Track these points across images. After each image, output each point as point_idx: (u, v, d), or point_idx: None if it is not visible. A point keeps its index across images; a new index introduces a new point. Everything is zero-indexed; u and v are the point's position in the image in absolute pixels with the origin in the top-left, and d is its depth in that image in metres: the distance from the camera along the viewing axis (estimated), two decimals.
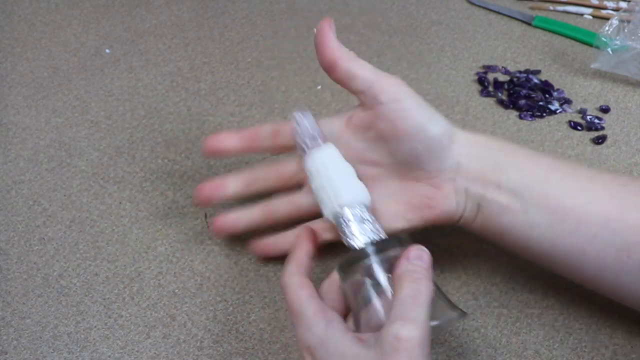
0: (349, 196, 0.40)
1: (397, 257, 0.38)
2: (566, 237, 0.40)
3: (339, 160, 0.42)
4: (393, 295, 0.36)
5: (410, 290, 0.35)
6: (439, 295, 0.39)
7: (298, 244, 0.42)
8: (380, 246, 0.39)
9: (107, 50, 0.71)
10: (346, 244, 0.41)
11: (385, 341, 0.33)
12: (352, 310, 0.40)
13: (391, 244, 0.39)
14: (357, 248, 0.40)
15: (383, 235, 0.40)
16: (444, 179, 0.42)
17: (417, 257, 0.38)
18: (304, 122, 0.41)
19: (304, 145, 0.41)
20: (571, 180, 0.41)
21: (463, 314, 0.38)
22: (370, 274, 0.38)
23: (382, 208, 0.43)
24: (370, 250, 0.39)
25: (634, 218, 0.39)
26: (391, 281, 0.37)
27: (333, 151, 0.42)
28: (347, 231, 0.40)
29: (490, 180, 0.42)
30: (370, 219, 0.40)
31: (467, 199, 0.42)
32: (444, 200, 0.43)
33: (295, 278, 0.39)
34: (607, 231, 0.39)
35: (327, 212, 0.42)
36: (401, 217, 0.43)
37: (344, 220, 0.40)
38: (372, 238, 0.40)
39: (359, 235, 0.40)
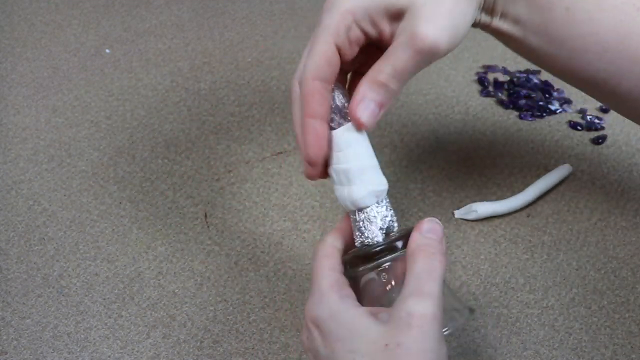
0: (365, 190, 0.39)
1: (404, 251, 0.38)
2: (565, 60, 0.40)
3: (363, 143, 0.40)
4: (399, 280, 0.36)
5: (424, 265, 0.35)
6: (448, 297, 0.38)
7: (342, 220, 0.41)
8: (389, 240, 0.39)
9: (107, 50, 0.71)
10: (355, 235, 0.40)
11: (399, 317, 0.33)
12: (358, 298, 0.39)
13: (400, 236, 0.39)
14: (367, 243, 0.39)
15: (395, 228, 0.39)
16: None
17: (430, 230, 0.37)
18: (336, 97, 0.39)
19: (331, 122, 0.40)
20: (577, 10, 0.39)
21: (471, 311, 0.38)
22: (379, 267, 0.38)
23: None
24: (379, 245, 0.38)
25: (635, 48, 0.38)
26: (395, 275, 0.37)
27: (358, 133, 0.39)
28: (359, 224, 0.39)
29: (496, 10, 0.41)
30: (381, 213, 0.39)
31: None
32: None
33: (326, 247, 0.39)
34: (603, 61, 0.39)
35: (341, 198, 0.40)
36: None
37: (357, 214, 0.39)
38: (382, 232, 0.39)
39: (369, 230, 0.39)
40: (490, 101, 0.65)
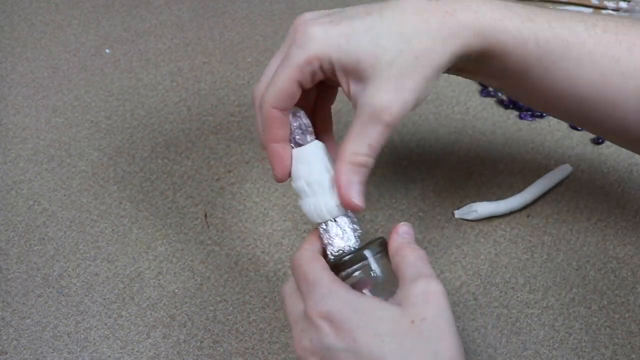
0: (334, 202, 0.40)
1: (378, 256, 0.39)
2: (543, 107, 0.43)
3: (327, 157, 0.41)
4: (387, 276, 0.38)
5: (414, 254, 0.38)
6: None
7: (312, 233, 0.42)
8: (365, 243, 0.40)
9: (107, 50, 0.71)
10: (328, 246, 0.41)
11: (415, 296, 0.35)
12: None
13: (374, 240, 0.40)
14: (334, 255, 0.40)
15: (357, 244, 0.40)
16: None
17: (405, 232, 0.40)
18: (298, 116, 0.41)
19: (292, 142, 0.41)
20: (556, 69, 0.40)
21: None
22: (363, 267, 0.39)
23: None
24: (360, 248, 0.40)
25: (614, 96, 0.39)
26: (376, 276, 0.39)
27: (320, 150, 0.41)
28: (331, 234, 0.40)
29: (467, 70, 0.41)
30: (349, 228, 0.40)
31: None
32: None
33: (309, 253, 0.39)
34: (583, 108, 0.40)
35: (309, 212, 0.41)
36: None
37: (329, 224, 0.40)
38: (357, 237, 0.40)
39: (344, 237, 0.40)
40: (490, 101, 0.65)
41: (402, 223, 0.41)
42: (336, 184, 0.39)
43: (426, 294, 0.35)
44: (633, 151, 0.45)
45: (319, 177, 0.40)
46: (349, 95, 0.39)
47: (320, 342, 0.35)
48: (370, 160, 0.38)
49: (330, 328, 0.35)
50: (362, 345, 0.34)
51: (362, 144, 0.38)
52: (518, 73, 0.40)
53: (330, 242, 0.40)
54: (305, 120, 0.41)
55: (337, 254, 0.40)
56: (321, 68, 0.38)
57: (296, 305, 0.38)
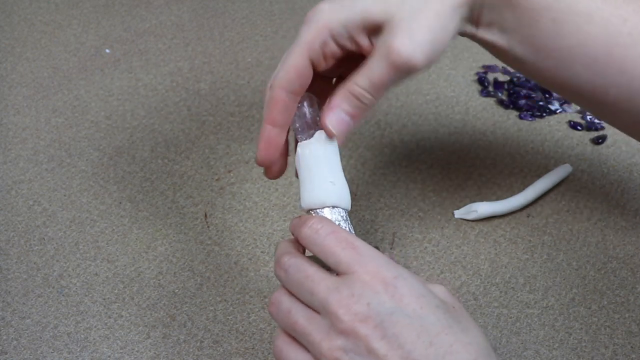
0: (329, 199, 0.39)
1: None
2: (552, 71, 0.41)
3: (332, 157, 0.41)
4: None
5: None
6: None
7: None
8: None
9: (107, 50, 0.71)
10: None
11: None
12: None
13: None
14: None
15: None
16: None
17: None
18: (305, 110, 0.40)
19: (297, 133, 0.40)
20: (565, 22, 0.39)
21: None
22: None
23: None
24: None
25: (621, 60, 0.39)
26: None
27: (324, 144, 0.40)
28: None
29: (482, 20, 0.40)
30: (343, 222, 0.39)
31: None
32: None
33: (294, 245, 0.38)
34: (591, 71, 0.40)
35: (304, 204, 0.40)
36: None
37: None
38: None
39: None
40: (490, 101, 0.65)
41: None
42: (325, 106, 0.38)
43: (439, 289, 0.36)
44: (629, 132, 0.44)
45: (317, 169, 0.39)
46: (370, 51, 0.38)
47: (383, 306, 0.33)
48: (367, 97, 0.38)
49: (392, 296, 0.33)
50: (428, 313, 0.33)
51: (364, 76, 0.37)
52: (527, 24, 0.39)
53: None
54: (315, 115, 0.40)
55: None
56: (333, 38, 0.37)
57: (326, 279, 0.34)
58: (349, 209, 0.40)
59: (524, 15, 0.39)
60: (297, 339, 0.35)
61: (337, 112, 0.38)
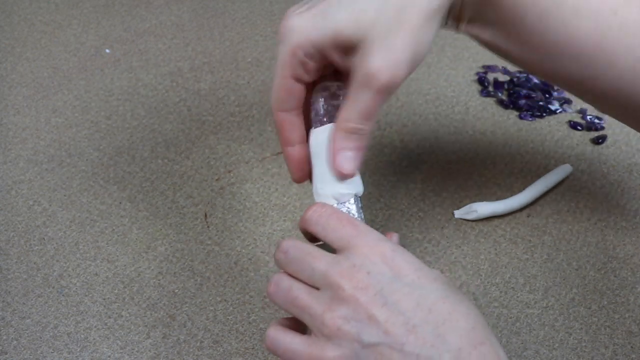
0: (342, 187, 0.40)
1: None
2: (538, 63, 0.40)
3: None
4: None
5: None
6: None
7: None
8: None
9: (107, 50, 0.71)
10: None
11: None
12: None
13: None
14: None
15: None
16: None
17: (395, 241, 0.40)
18: (319, 104, 0.40)
19: (312, 122, 0.41)
20: (552, 17, 0.38)
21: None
22: None
23: None
24: None
25: (610, 52, 0.38)
26: None
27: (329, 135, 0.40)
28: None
29: (463, 17, 0.40)
30: (355, 212, 0.40)
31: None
32: None
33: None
34: (579, 64, 0.39)
35: (318, 193, 0.41)
36: None
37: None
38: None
39: None
40: (490, 101, 0.65)
41: (394, 234, 0.41)
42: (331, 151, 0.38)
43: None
44: (618, 119, 0.44)
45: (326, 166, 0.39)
46: (345, 68, 0.37)
47: (383, 275, 0.34)
48: (362, 128, 0.37)
49: (390, 269, 0.34)
50: (426, 284, 0.34)
51: (353, 110, 0.37)
52: (512, 20, 0.38)
53: None
54: (317, 106, 0.40)
55: None
56: (308, 55, 0.37)
57: (327, 255, 0.35)
58: (361, 193, 0.40)
59: (509, 12, 0.38)
60: (297, 315, 0.35)
61: (342, 154, 0.38)
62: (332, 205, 0.38)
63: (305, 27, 0.36)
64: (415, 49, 0.35)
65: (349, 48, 0.36)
